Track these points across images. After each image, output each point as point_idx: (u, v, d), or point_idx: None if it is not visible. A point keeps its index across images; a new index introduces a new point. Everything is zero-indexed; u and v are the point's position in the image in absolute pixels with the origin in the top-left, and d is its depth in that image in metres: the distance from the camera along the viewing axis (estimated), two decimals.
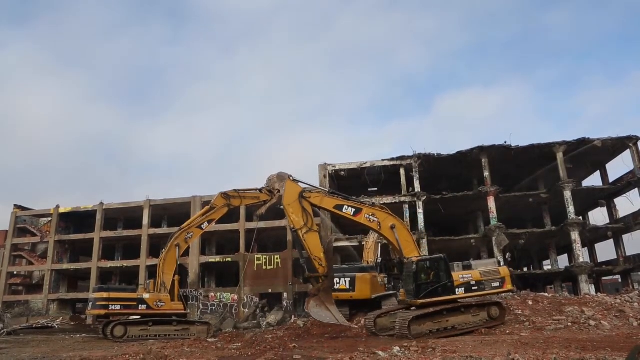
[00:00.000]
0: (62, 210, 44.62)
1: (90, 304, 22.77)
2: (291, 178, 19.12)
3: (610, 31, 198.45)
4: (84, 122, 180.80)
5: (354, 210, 18.71)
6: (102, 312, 21.92)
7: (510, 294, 25.34)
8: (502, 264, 32.61)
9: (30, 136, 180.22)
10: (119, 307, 21.82)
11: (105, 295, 21.97)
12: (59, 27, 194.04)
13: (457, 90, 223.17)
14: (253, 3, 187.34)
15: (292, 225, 18.48)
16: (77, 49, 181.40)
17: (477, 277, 17.44)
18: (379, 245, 28.64)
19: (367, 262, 27.19)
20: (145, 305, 22.10)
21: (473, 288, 17.31)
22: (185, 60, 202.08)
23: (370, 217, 18.53)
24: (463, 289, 17.19)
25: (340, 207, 18.82)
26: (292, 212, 18.40)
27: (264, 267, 37.51)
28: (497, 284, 17.62)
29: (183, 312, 23.72)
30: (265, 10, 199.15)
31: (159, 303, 22.39)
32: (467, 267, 17.94)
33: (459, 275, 17.36)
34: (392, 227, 18.39)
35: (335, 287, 22.13)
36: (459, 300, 17.28)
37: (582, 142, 33.88)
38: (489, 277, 17.61)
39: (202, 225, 24.24)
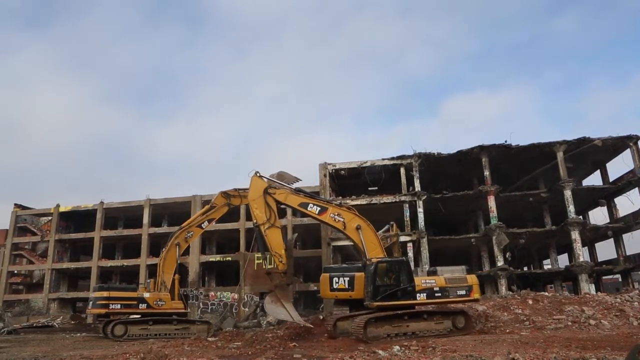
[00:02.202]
0: (62, 209, 44.65)
1: (91, 303, 22.83)
2: (258, 174, 18.83)
3: (615, 35, 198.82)
4: (93, 123, 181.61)
5: (319, 209, 18.40)
6: (103, 311, 21.96)
7: (510, 293, 25.33)
8: (502, 263, 32.81)
9: (39, 137, 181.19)
10: (119, 306, 21.84)
11: (105, 294, 22.01)
12: (74, 30, 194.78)
13: (465, 93, 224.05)
14: (266, 9, 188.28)
15: (255, 221, 18.43)
16: (91, 52, 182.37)
17: (441, 284, 16.66)
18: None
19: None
20: (146, 304, 22.14)
21: (436, 294, 16.53)
22: (197, 64, 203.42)
23: (336, 216, 18.20)
24: (425, 294, 16.41)
25: (305, 205, 18.56)
26: (255, 208, 18.34)
27: (264, 266, 37.50)
28: (463, 292, 16.81)
29: (183, 311, 23.75)
30: (278, 16, 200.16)
31: (159, 302, 22.42)
32: (433, 273, 17.27)
33: (421, 280, 16.65)
34: (358, 228, 18.01)
35: (334, 286, 22.16)
36: (419, 305, 16.62)
37: (583, 141, 33.85)
38: (454, 284, 16.80)
39: (202, 225, 24.30)
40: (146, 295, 22.54)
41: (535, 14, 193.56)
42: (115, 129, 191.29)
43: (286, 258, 18.06)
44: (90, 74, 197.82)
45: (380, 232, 23.56)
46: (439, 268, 17.57)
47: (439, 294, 16.56)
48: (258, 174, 18.83)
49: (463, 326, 16.65)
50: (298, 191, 19.32)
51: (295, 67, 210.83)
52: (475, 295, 17.12)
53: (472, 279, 17.30)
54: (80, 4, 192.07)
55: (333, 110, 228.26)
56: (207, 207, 24.83)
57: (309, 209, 18.52)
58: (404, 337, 15.59)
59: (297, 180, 21.66)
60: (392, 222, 24.81)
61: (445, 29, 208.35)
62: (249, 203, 18.86)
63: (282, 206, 19.46)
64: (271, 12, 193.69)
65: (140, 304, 22.14)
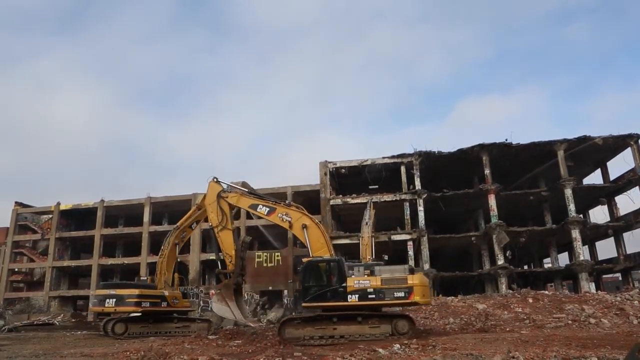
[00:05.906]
0: (62, 207, 44.69)
1: (114, 300, 21.43)
2: (215, 179, 19.64)
3: (624, 38, 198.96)
4: (108, 126, 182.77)
5: (267, 209, 18.63)
6: (139, 309, 21.37)
7: (510, 291, 25.26)
8: (502, 261, 32.82)
9: (51, 138, 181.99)
10: (148, 304, 21.59)
11: (137, 292, 21.39)
12: (98, 34, 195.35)
13: (476, 97, 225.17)
14: (289, 18, 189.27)
15: (210, 223, 19.38)
16: (113, 56, 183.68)
17: (376, 285, 15.29)
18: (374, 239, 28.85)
19: (366, 258, 27.10)
20: (166, 303, 22.15)
21: (370, 296, 15.17)
22: (216, 69, 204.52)
23: (284, 216, 18.33)
24: (357, 296, 15.20)
25: (255, 207, 18.93)
26: (210, 211, 19.37)
27: (265, 265, 37.49)
28: (401, 294, 15.09)
29: (190, 309, 23.95)
30: (299, 24, 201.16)
31: (174, 300, 22.56)
32: (371, 272, 16.01)
33: (354, 280, 15.47)
34: (304, 227, 17.90)
35: None
36: (350, 307, 15.48)
37: (583, 140, 33.83)
38: (391, 285, 15.25)
39: (192, 226, 24.22)
40: (166, 293, 22.52)
41: (547, 23, 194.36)
42: (129, 131, 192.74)
43: (235, 259, 18.70)
44: (109, 78, 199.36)
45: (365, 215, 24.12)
46: (377, 267, 16.33)
47: (373, 296, 15.23)
48: (215, 180, 19.64)
49: (406, 330, 15.30)
50: (250, 193, 19.89)
51: (310, 73, 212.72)
52: (416, 297, 15.16)
53: (414, 279, 15.48)
54: (108, 8, 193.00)
55: (345, 114, 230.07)
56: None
57: (258, 210, 18.81)
58: (330, 340, 14.96)
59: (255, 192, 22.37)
60: (371, 199, 25.41)
61: (459, 35, 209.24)
62: (205, 207, 19.86)
63: (235, 209, 19.96)
64: (292, 20, 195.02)
65: (162, 302, 22.17)
